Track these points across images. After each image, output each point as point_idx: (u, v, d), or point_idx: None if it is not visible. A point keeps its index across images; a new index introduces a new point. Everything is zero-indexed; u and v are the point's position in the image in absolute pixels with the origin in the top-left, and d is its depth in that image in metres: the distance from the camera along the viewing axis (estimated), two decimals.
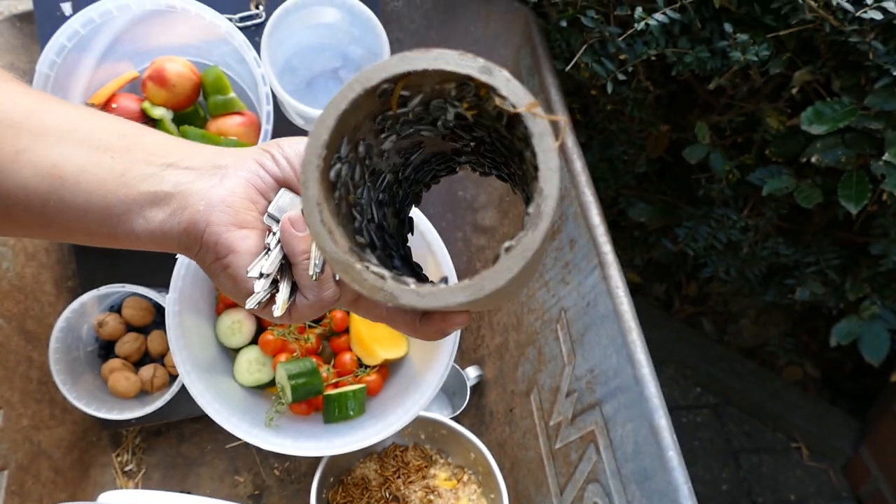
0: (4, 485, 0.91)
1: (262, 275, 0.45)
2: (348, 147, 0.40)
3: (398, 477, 1.02)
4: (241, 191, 0.46)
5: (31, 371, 1.00)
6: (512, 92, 0.36)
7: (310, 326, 1.02)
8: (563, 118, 0.39)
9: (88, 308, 1.01)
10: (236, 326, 1.00)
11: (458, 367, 1.11)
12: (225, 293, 0.49)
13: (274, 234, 0.47)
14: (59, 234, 0.49)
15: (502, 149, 0.43)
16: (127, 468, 1.06)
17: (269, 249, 0.46)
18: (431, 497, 1.00)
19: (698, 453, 1.54)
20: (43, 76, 0.91)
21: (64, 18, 0.99)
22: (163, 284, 0.99)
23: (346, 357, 0.99)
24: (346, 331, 1.02)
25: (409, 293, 0.35)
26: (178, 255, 0.84)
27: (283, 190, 0.48)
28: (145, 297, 1.04)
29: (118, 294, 1.04)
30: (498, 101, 0.36)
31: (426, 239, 0.91)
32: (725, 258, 1.16)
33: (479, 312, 1.16)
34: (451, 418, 1.04)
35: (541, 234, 0.34)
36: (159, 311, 1.07)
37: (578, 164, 0.97)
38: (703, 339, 1.65)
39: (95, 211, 0.46)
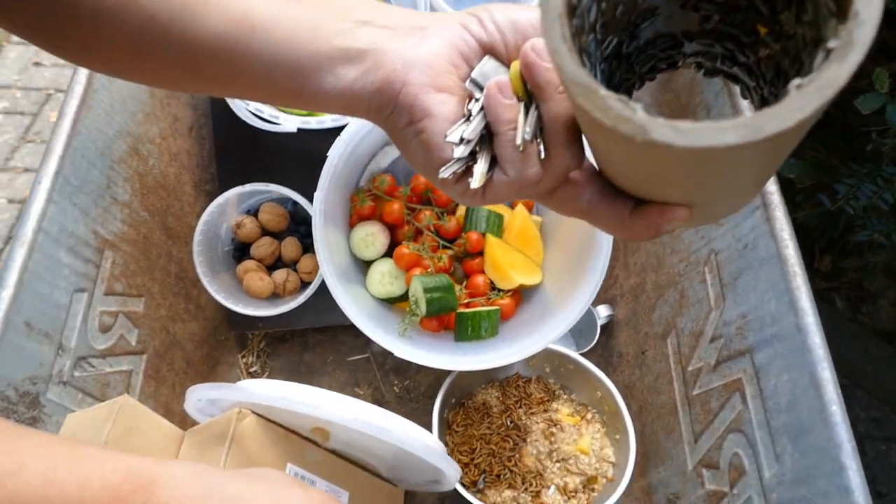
0: (143, 368, 0.94)
1: (462, 140, 0.42)
2: None
3: (520, 407, 1.00)
4: (443, 52, 0.42)
5: (170, 265, 1.02)
6: None
7: (444, 246, 1.00)
8: None
9: (229, 207, 1.02)
10: (370, 239, 0.99)
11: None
12: (414, 164, 0.46)
13: (476, 100, 0.43)
14: (244, 89, 0.47)
15: (758, 13, 0.38)
16: (252, 369, 1.07)
17: (469, 116, 0.42)
18: (553, 430, 0.98)
19: None
20: None
21: None
22: (297, 190, 0.99)
23: (479, 279, 0.97)
24: (481, 253, 0.99)
25: (663, 127, 0.28)
26: (328, 154, 0.83)
27: (487, 56, 0.44)
28: (281, 203, 1.04)
29: (256, 198, 1.05)
30: None
31: None
32: (889, 222, 1.07)
33: (615, 250, 1.11)
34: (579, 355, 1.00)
35: (849, 69, 0.27)
36: (293, 219, 1.07)
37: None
38: (835, 316, 1.55)
39: (284, 64, 0.43)
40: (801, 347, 0.75)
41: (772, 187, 0.84)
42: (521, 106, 0.41)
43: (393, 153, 1.07)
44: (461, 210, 1.02)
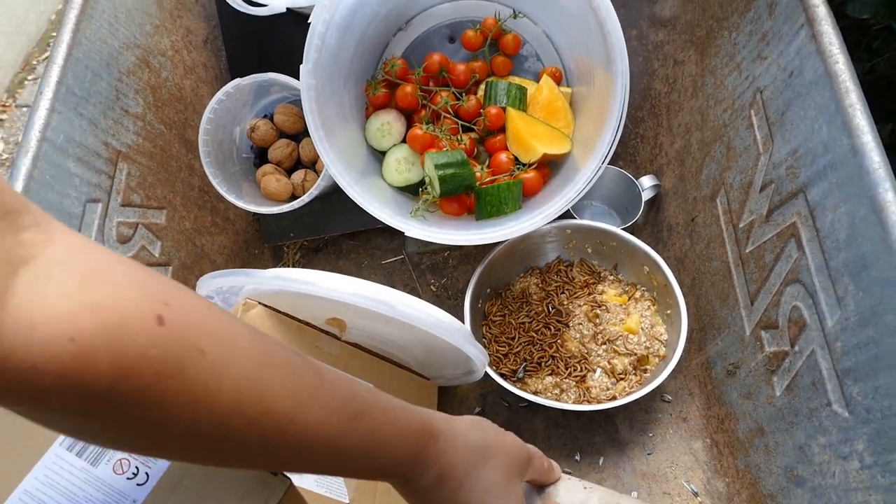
0: (169, 279, 0.92)
1: None
2: None
3: (562, 292, 0.92)
4: None
5: (192, 178, 1.01)
6: None
7: (464, 128, 0.93)
8: None
9: (240, 108, 0.99)
10: (385, 128, 0.94)
11: (632, 177, 0.97)
12: None
13: None
14: None
15: None
16: None
17: None
18: (598, 312, 0.90)
19: None
20: None
21: None
22: None
23: (502, 156, 0.90)
24: (503, 129, 0.92)
25: None
26: (309, 21, 0.78)
27: None
28: (296, 104, 1.00)
29: (269, 99, 1.01)
30: None
31: (602, 21, 0.78)
32: None
33: (657, 116, 1.01)
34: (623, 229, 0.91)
35: None
36: None
37: None
38: None
39: None
40: (859, 171, 0.65)
41: (815, 0, 0.73)
42: None
43: (406, 39, 1.01)
44: (481, 89, 0.95)
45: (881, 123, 1.48)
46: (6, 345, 0.28)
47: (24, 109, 2.18)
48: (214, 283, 0.72)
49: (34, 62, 2.38)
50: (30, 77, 2.34)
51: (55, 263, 0.31)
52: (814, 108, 0.71)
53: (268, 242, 1.07)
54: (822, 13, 0.72)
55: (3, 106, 2.26)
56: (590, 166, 0.78)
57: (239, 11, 0.94)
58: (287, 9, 0.86)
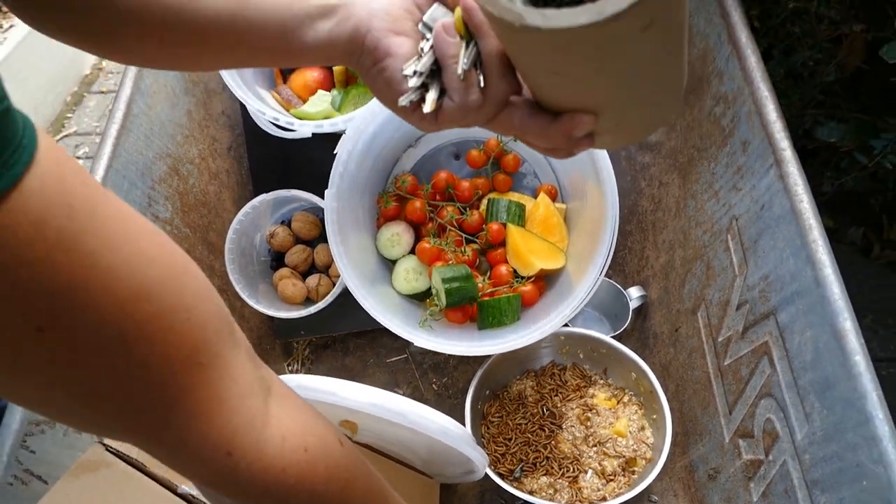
0: None
1: (415, 73, 0.49)
2: None
3: (555, 395, 0.99)
4: (399, 1, 0.51)
5: (212, 278, 1.08)
6: None
7: (467, 240, 1.02)
8: None
9: (261, 217, 1.07)
10: (395, 238, 1.02)
11: (620, 287, 1.06)
12: (380, 98, 0.54)
13: (427, 39, 0.50)
14: (244, 56, 0.56)
15: None
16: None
17: (422, 53, 0.50)
18: (589, 415, 0.97)
19: None
20: None
21: None
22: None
23: (503, 269, 0.98)
24: (503, 243, 1.01)
25: (534, 14, 0.36)
26: (335, 152, 0.87)
27: (436, 3, 0.51)
28: (312, 212, 1.08)
29: (288, 208, 1.09)
30: None
31: (592, 156, 0.88)
32: None
33: (643, 231, 1.10)
34: (612, 337, 0.99)
35: None
36: (325, 226, 1.11)
37: (752, 60, 0.89)
38: None
39: (273, 27, 0.52)
40: (821, 301, 0.73)
41: (784, 143, 0.82)
42: (463, 43, 0.48)
43: (416, 155, 1.10)
44: (483, 204, 1.04)
45: (853, 227, 1.58)
46: (270, 452, 0.39)
47: None
48: None
49: None
50: None
51: (282, 396, 0.42)
52: (782, 239, 0.80)
53: (279, 339, 1.14)
54: (789, 156, 0.81)
55: None
56: (583, 287, 0.86)
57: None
58: (312, 133, 0.95)
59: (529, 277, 0.97)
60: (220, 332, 0.37)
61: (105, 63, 2.78)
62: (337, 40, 0.51)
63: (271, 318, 1.14)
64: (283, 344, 1.16)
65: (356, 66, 0.53)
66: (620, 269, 1.12)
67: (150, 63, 0.57)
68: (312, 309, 1.00)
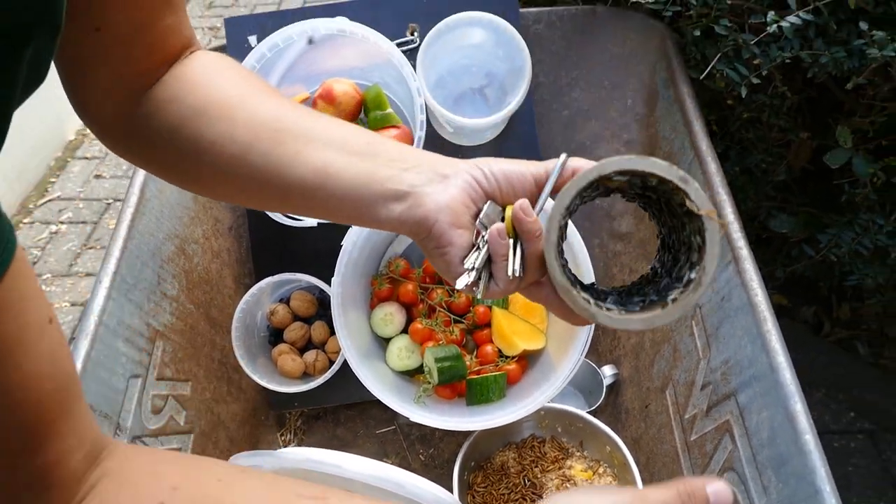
0: (191, 446, 1.04)
1: (473, 267, 0.60)
2: (574, 204, 0.57)
3: (535, 466, 1.07)
4: (460, 198, 0.60)
5: (213, 352, 1.15)
6: (699, 198, 0.54)
7: (455, 321, 1.10)
8: (725, 223, 0.69)
9: (263, 296, 1.14)
10: (388, 318, 1.10)
11: (594, 366, 1.15)
12: (437, 270, 0.64)
13: (483, 236, 0.61)
14: (321, 215, 0.67)
15: (666, 210, 0.61)
16: (289, 446, 1.17)
17: (478, 248, 0.60)
18: (567, 486, 1.04)
19: (853, 479, 1.47)
20: None
21: (250, 48, 1.15)
22: (324, 280, 1.11)
23: (488, 348, 1.07)
24: (488, 324, 1.09)
25: (604, 316, 0.56)
26: (342, 244, 0.96)
27: (489, 202, 0.62)
28: (310, 291, 1.16)
29: (287, 287, 1.17)
30: (688, 203, 0.55)
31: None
32: (872, 265, 1.13)
33: None
34: (588, 413, 1.08)
35: (698, 296, 0.55)
36: (321, 304, 1.19)
37: (713, 166, 1.01)
38: (857, 363, 1.58)
39: (350, 200, 0.61)
40: (775, 385, 0.82)
41: (740, 242, 0.93)
42: (511, 242, 0.60)
43: (407, 240, 1.19)
44: None
45: (805, 306, 1.71)
46: None
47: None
48: (249, 461, 0.85)
49: (31, 205, 2.53)
50: (25, 220, 2.48)
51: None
52: (740, 328, 0.90)
53: (274, 410, 1.20)
54: (745, 254, 0.92)
55: None
56: (564, 368, 0.95)
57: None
58: (318, 223, 1.04)
59: (513, 357, 1.06)
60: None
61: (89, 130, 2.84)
62: (406, 222, 0.60)
63: (266, 390, 1.21)
64: (276, 415, 1.22)
65: (419, 243, 0.62)
66: (594, 347, 1.22)
67: (230, 201, 0.68)
68: (312, 384, 1.07)
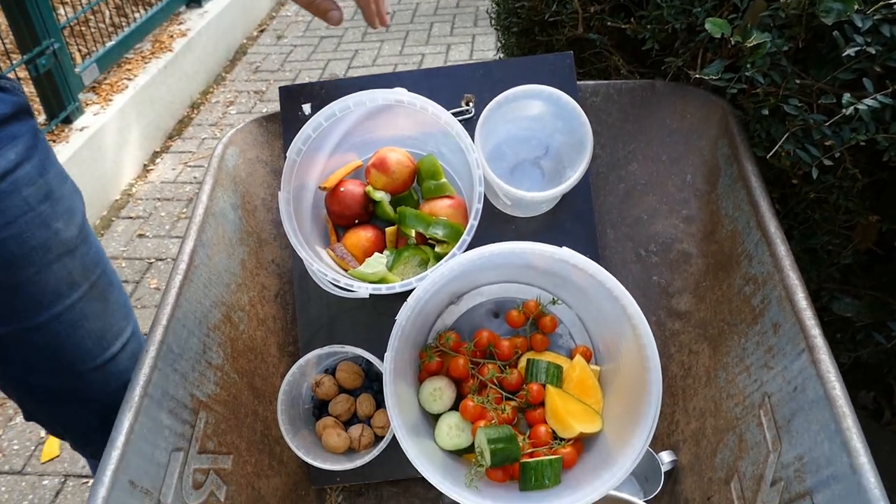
0: None
1: None
2: None
3: None
4: None
5: (256, 423, 1.11)
6: None
7: (507, 398, 1.06)
8: None
9: (309, 367, 1.11)
10: (437, 393, 1.06)
11: (651, 450, 1.09)
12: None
13: None
14: None
15: None
16: None
17: None
18: None
19: None
20: (291, 162, 1.06)
21: (304, 117, 1.15)
22: (370, 350, 1.09)
23: (542, 429, 1.02)
24: (542, 404, 1.05)
25: None
26: (396, 319, 0.93)
27: None
28: (356, 361, 1.13)
29: (333, 359, 1.14)
30: None
31: (628, 312, 0.94)
32: None
33: (673, 395, 1.15)
34: (645, 503, 1.02)
35: None
36: (368, 376, 1.16)
37: (782, 249, 0.97)
38: None
39: None
40: (857, 488, 0.77)
41: (815, 331, 0.89)
42: None
43: (457, 311, 1.16)
44: (522, 362, 1.09)
45: (863, 391, 1.63)
46: None
47: None
48: None
49: None
50: None
51: None
52: (816, 423, 0.85)
53: (315, 485, 1.16)
54: (820, 343, 0.87)
55: None
56: (627, 455, 0.90)
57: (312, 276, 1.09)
58: (370, 294, 1.01)
59: (569, 440, 1.01)
60: None
61: (135, 189, 2.90)
62: None
63: (307, 464, 1.17)
64: (317, 490, 1.17)
65: None
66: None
67: None
68: (358, 461, 1.03)
